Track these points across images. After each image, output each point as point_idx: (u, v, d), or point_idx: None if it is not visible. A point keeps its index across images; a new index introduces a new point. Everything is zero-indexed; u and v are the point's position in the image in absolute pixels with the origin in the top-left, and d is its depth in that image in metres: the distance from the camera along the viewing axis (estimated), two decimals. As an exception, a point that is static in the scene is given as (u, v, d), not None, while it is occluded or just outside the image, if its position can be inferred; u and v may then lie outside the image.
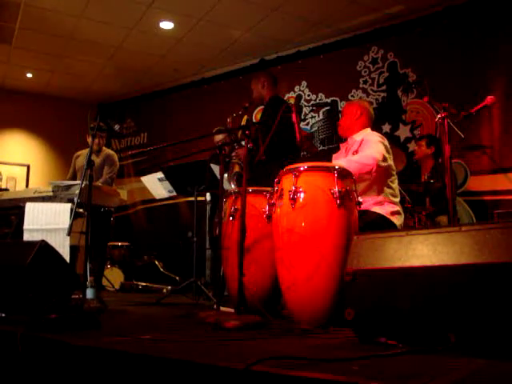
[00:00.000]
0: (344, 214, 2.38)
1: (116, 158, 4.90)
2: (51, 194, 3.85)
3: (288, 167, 2.53)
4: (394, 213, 2.95)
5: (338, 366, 1.32)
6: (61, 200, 3.78)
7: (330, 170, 2.45)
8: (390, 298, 1.70)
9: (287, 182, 2.48)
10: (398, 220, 2.96)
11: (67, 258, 3.31)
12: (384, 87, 5.51)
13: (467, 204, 4.71)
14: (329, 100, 5.96)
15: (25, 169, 7.84)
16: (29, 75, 7.30)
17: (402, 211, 3.05)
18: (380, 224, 2.84)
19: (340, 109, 5.69)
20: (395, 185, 3.05)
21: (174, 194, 4.72)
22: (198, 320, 2.46)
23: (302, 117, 6.12)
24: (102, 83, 7.58)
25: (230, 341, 1.84)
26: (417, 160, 4.77)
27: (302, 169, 2.46)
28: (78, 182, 3.96)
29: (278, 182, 2.56)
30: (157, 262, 6.20)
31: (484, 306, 1.51)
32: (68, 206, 3.58)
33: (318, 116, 6.06)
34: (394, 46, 5.49)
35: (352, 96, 5.71)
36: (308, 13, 5.40)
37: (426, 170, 4.56)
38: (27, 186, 7.62)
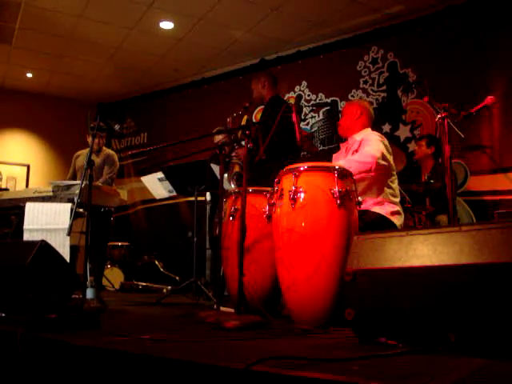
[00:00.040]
0: (344, 214, 2.38)
1: (116, 157, 4.91)
2: (51, 193, 3.85)
3: (288, 167, 2.53)
4: (394, 213, 2.95)
5: (338, 366, 1.32)
6: (61, 200, 3.78)
7: (330, 169, 2.45)
8: (390, 298, 1.70)
9: (287, 182, 2.48)
10: (398, 220, 2.96)
11: (67, 258, 3.32)
12: (384, 87, 5.51)
13: (467, 204, 4.71)
14: (329, 100, 5.96)
15: (25, 169, 7.84)
16: (29, 75, 7.30)
17: (402, 211, 3.05)
18: (380, 224, 2.85)
19: (340, 109, 5.69)
20: (395, 185, 3.05)
21: (174, 193, 4.72)
22: (198, 320, 2.46)
23: (302, 117, 6.12)
24: (101, 83, 7.57)
25: (230, 341, 1.84)
26: (417, 160, 4.77)
27: (302, 169, 2.46)
28: (78, 181, 3.96)
29: (278, 182, 2.56)
30: (157, 262, 6.20)
31: (484, 305, 1.51)
32: (68, 205, 3.58)
33: (318, 116, 6.05)
34: (394, 45, 5.49)
35: (352, 96, 5.70)
36: (308, 13, 5.40)
37: (426, 170, 4.56)
38: (27, 185, 7.61)
